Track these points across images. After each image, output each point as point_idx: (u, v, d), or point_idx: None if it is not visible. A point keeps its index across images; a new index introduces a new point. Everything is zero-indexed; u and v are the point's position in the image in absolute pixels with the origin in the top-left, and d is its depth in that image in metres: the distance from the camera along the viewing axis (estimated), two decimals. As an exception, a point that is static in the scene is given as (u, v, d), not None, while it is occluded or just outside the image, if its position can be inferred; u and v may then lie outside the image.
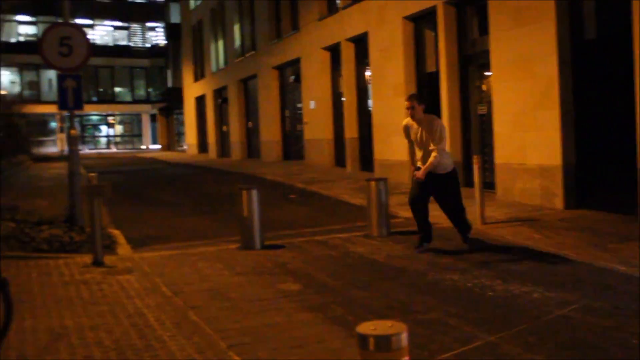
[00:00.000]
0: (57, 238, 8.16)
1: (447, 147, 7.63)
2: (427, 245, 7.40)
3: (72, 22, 10.14)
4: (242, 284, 6.22)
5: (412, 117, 7.25)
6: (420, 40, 14.82)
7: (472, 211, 8.34)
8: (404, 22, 14.77)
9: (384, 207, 8.51)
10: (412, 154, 7.64)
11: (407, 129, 7.45)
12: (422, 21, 14.60)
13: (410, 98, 7.31)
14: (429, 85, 14.20)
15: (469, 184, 11.07)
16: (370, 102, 17.27)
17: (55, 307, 5.39)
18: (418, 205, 7.35)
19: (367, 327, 2.17)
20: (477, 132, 12.78)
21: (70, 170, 9.29)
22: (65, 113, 10.11)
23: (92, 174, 7.45)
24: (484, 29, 12.08)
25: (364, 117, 17.81)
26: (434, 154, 7.05)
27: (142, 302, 5.48)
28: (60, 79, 9.21)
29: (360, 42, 17.58)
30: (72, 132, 9.42)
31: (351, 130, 18.21)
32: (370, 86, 17.13)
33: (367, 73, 17.36)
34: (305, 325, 4.87)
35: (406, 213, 10.05)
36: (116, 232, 9.13)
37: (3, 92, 32.18)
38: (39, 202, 12.99)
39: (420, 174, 7.16)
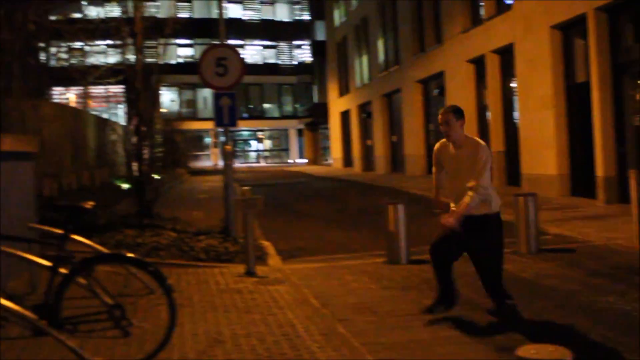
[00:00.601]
0: (213, 248, 8.65)
1: (495, 182, 6.36)
2: (443, 310, 5.55)
3: (227, 43, 10.75)
4: (388, 298, 6.28)
5: (448, 137, 5.48)
6: (569, 49, 14.25)
7: (629, 229, 7.88)
8: (551, 31, 14.28)
9: (533, 223, 8.25)
10: (437, 185, 5.91)
11: (439, 154, 5.71)
12: (571, 29, 14.04)
13: (445, 112, 5.46)
14: (578, 97, 13.61)
15: (625, 200, 10.47)
16: (516, 115, 16.80)
17: (212, 314, 5.72)
18: (441, 255, 5.52)
19: (528, 351, 2.12)
20: (632, 144, 12.06)
21: (225, 183, 9.81)
22: (220, 129, 10.69)
23: (246, 188, 7.83)
24: (639, 36, 11.41)
25: (510, 129, 17.35)
26: (470, 193, 5.20)
27: (292, 313, 5.68)
28: (216, 97, 9.78)
29: (506, 54, 17.18)
30: (227, 147, 9.96)
31: (497, 144, 17.79)
32: (516, 98, 16.67)
33: (513, 85, 16.91)
34: (450, 343, 4.85)
35: (556, 229, 9.70)
36: (267, 244, 9.52)
37: (164, 111, 34.47)
38: (195, 213, 13.80)
39: (451, 220, 5.25)
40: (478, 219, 5.32)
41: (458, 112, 5.45)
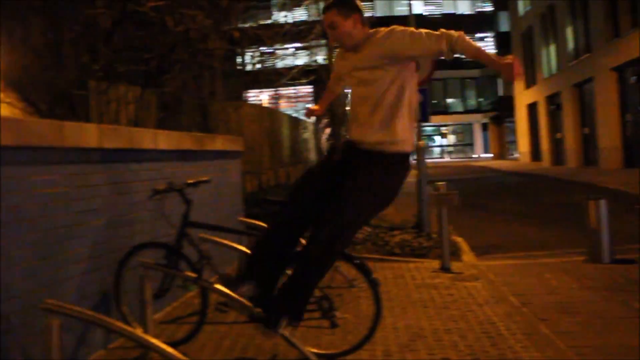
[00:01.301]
0: (407, 243, 8.77)
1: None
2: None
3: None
4: (592, 299, 6.00)
5: (342, 44, 4.03)
6: None
7: None
8: None
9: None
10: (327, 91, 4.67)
11: (337, 66, 4.30)
12: None
13: (326, 9, 3.95)
14: None
15: None
16: None
17: (411, 308, 5.81)
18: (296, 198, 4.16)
19: None
20: None
21: (418, 179, 9.89)
22: None
23: (441, 183, 7.83)
24: None
25: None
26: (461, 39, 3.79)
27: (491, 310, 5.62)
28: (408, 94, 9.85)
29: None
30: (420, 143, 10.04)
31: None
32: None
33: None
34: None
35: None
36: (459, 239, 9.46)
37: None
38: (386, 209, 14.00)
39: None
40: (367, 154, 3.86)
41: (345, 5, 3.87)
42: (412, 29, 3.86)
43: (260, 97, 34.21)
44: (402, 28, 3.85)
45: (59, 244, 4.17)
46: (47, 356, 3.36)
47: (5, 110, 6.89)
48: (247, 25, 13.04)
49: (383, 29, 3.89)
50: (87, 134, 4.46)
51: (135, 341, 3.35)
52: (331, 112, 18.91)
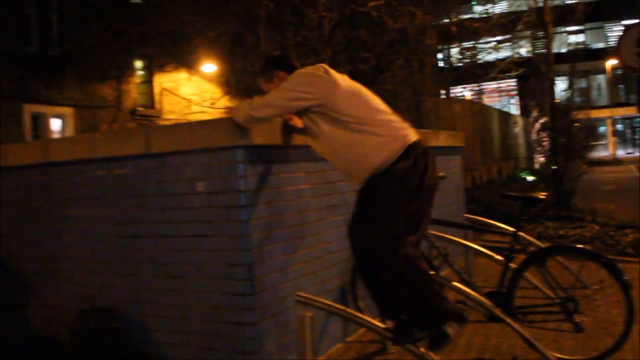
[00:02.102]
0: (643, 243, 8.04)
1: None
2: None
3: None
4: None
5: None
6: None
7: None
8: None
9: None
10: None
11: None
12: None
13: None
14: None
15: None
16: None
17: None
18: None
19: None
20: None
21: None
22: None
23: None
24: None
25: None
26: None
27: None
28: (639, 80, 9.04)
29: None
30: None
31: None
32: None
33: None
34: None
35: None
36: None
37: (558, 101, 33.62)
38: (605, 205, 13.02)
39: None
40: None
41: (269, 65, 3.90)
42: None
43: (464, 92, 33.59)
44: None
45: (304, 239, 4.30)
46: (300, 345, 3.48)
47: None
48: (455, 19, 12.81)
49: None
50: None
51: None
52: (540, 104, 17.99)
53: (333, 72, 3.53)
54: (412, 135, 3.57)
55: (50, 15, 14.89)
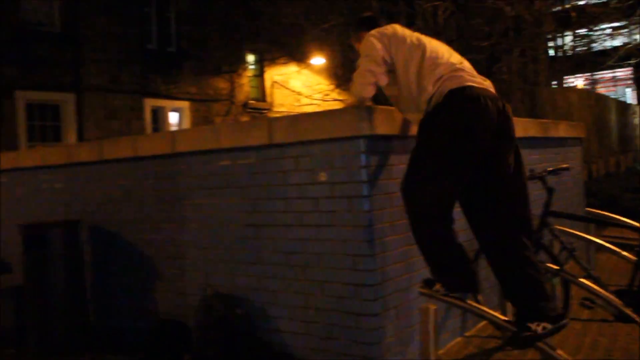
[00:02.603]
0: None
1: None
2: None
3: None
4: None
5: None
6: None
7: None
8: None
9: None
10: None
11: None
12: None
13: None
14: None
15: None
16: None
17: None
18: None
19: None
20: None
21: None
22: None
23: None
24: None
25: None
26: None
27: None
28: None
29: None
30: None
31: None
32: None
33: None
34: None
35: None
36: None
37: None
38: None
39: None
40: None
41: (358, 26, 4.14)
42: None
43: (577, 82, 32.27)
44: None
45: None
46: (422, 338, 3.44)
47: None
48: (574, 4, 12.29)
49: None
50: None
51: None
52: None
53: (400, 29, 3.76)
54: (478, 83, 3.50)
55: (168, 13, 15.51)
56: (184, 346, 4.43)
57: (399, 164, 4.00)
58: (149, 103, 14.81)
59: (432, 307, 3.40)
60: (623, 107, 19.38)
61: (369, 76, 3.63)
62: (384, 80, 3.69)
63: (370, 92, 3.67)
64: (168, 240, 4.83)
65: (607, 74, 35.18)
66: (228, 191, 4.39)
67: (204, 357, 4.16)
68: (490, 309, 4.41)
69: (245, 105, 16.99)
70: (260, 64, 17.58)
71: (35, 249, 5.02)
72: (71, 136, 13.30)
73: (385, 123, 3.81)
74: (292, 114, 16.45)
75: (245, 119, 16.62)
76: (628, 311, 4.11)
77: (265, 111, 17.47)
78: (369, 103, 3.77)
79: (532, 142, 6.07)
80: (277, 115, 16.98)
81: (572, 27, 11.64)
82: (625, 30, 15.31)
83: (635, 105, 20.54)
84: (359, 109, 3.73)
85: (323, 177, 3.87)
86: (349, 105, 3.95)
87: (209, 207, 4.51)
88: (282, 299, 4.13)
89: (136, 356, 4.66)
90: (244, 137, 4.25)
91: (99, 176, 5.38)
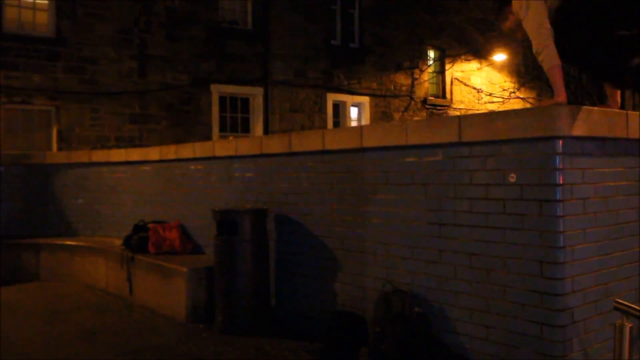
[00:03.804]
0: None
1: None
2: None
3: None
4: None
5: None
6: None
7: None
8: None
9: None
10: None
11: None
12: None
13: None
14: None
15: None
16: None
17: None
18: None
19: None
20: None
21: None
22: None
23: None
24: None
25: None
26: None
27: None
28: None
29: None
30: None
31: None
32: None
33: None
34: None
35: None
36: None
37: None
38: None
39: None
40: None
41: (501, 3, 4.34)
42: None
43: None
44: None
45: (619, 240, 3.96)
46: (614, 357, 3.20)
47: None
48: None
49: None
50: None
51: None
52: None
53: None
54: None
55: (352, 10, 15.80)
56: (360, 339, 4.49)
57: (594, 168, 3.76)
58: (331, 97, 15.21)
59: (628, 324, 3.16)
60: None
61: (550, 43, 3.85)
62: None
63: (558, 58, 3.80)
64: (350, 233, 4.91)
65: None
66: (413, 188, 4.37)
67: (380, 351, 4.19)
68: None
69: (424, 101, 16.87)
70: (442, 60, 17.38)
71: (226, 233, 5.33)
72: (258, 127, 14.01)
73: (582, 123, 3.59)
74: (476, 112, 16.07)
75: (423, 115, 16.53)
76: None
77: (445, 108, 17.24)
78: (563, 95, 3.73)
79: None
80: (456, 112, 16.68)
81: None
82: None
83: None
84: (555, 108, 3.56)
85: (513, 178, 3.72)
86: (543, 103, 3.79)
87: (393, 203, 4.52)
88: (462, 301, 4.04)
89: (315, 343, 4.80)
90: (432, 134, 4.20)
91: (286, 167, 5.59)
